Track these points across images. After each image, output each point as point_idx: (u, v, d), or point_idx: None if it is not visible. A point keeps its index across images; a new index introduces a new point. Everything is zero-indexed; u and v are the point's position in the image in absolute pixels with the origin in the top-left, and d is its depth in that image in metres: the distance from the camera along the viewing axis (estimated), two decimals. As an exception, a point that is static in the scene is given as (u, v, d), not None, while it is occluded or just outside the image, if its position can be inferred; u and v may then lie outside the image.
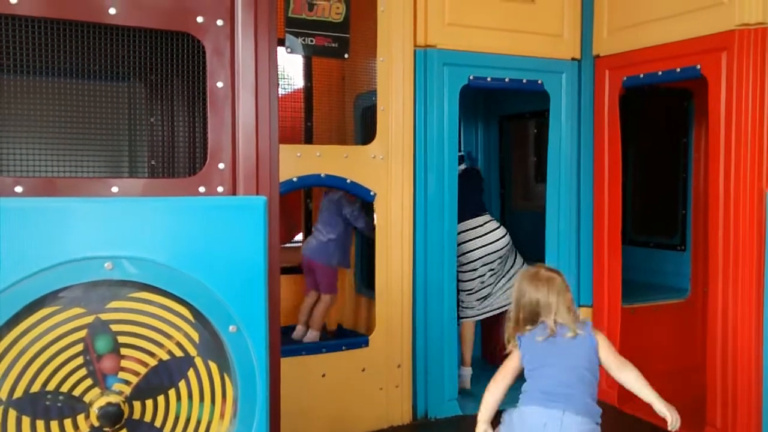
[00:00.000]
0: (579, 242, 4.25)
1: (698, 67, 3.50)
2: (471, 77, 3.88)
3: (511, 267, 4.33)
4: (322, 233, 4.08)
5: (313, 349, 3.61)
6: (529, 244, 4.45)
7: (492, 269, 4.23)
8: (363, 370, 3.66)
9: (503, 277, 4.31)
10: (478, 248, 4.15)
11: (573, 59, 4.16)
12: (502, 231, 4.26)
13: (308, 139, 4.26)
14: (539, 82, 4.07)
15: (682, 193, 4.79)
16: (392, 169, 3.70)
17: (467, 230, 4.16)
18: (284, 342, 4.02)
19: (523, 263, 4.31)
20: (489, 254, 4.18)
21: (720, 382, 3.42)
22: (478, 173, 4.59)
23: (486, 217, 4.28)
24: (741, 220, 3.32)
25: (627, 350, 4.14)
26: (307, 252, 4.12)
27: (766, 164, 3.29)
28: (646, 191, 5.02)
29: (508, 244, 4.26)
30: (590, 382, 2.56)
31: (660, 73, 3.76)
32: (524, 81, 4.04)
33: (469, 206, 4.16)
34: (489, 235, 4.21)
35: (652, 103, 4.79)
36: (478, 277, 4.19)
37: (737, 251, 3.34)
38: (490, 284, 4.25)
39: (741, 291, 3.33)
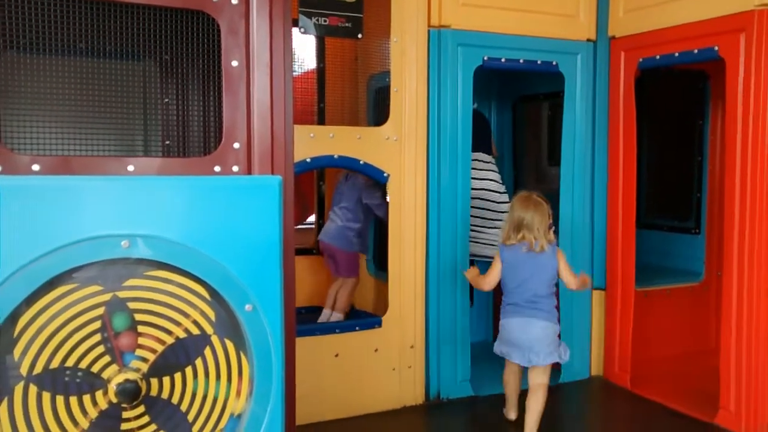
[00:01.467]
0: (593, 225, 4.23)
1: (716, 48, 3.46)
2: (485, 58, 3.85)
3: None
4: (341, 218, 4.09)
5: (326, 329, 3.63)
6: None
7: (480, 210, 4.21)
8: (376, 350, 3.67)
9: (491, 228, 4.26)
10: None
11: (588, 40, 4.12)
12: (497, 176, 4.28)
13: (321, 120, 4.26)
14: (554, 63, 4.04)
15: (697, 176, 4.75)
16: (405, 151, 3.69)
17: None
18: (300, 323, 4.07)
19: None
20: (478, 189, 4.15)
21: (734, 365, 3.41)
22: (480, 115, 4.46)
23: (485, 156, 4.27)
24: (757, 204, 3.30)
25: (641, 334, 4.15)
26: (326, 237, 4.12)
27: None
28: (660, 174, 4.99)
29: (502, 192, 4.25)
30: (553, 292, 3.37)
31: (677, 54, 3.72)
32: (539, 62, 4.01)
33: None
34: (483, 173, 4.21)
35: (668, 85, 4.75)
36: None
37: (753, 235, 3.32)
38: (474, 227, 4.21)
39: (756, 275, 3.31)
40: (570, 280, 3.36)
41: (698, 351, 4.49)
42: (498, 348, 3.42)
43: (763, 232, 3.28)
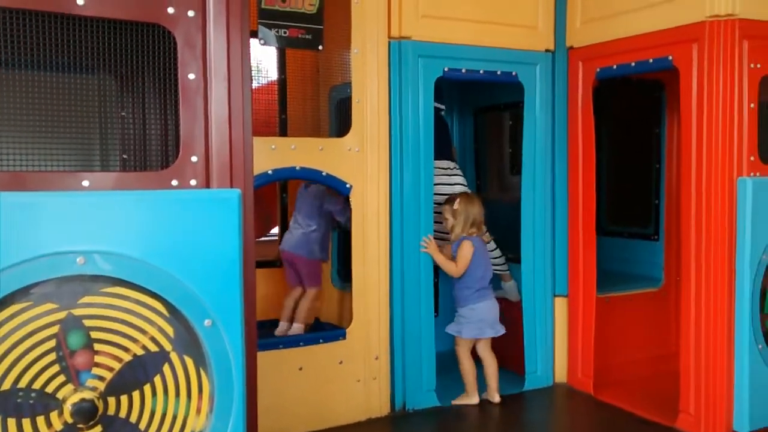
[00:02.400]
0: (554, 233, 4.28)
1: (670, 57, 3.53)
2: (446, 69, 3.88)
3: None
4: (301, 226, 4.06)
5: (289, 342, 3.59)
6: (504, 235, 4.47)
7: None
8: (340, 362, 3.65)
9: None
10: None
11: (547, 50, 4.18)
12: (463, 181, 4.37)
13: (283, 132, 4.24)
14: (513, 73, 4.08)
15: (655, 184, 4.84)
16: (368, 162, 3.69)
17: None
18: (264, 336, 4.03)
19: (487, 230, 4.31)
20: (438, 195, 4.17)
21: (693, 369, 3.47)
22: (441, 118, 4.46)
23: (450, 163, 4.34)
24: (713, 210, 3.37)
25: (602, 339, 4.20)
26: (287, 246, 4.09)
27: (737, 154, 3.34)
28: (619, 182, 5.07)
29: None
30: None
31: (633, 64, 3.79)
32: (499, 73, 4.05)
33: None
34: (452, 178, 4.29)
35: (625, 94, 4.83)
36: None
37: (709, 240, 3.38)
38: (444, 235, 4.24)
39: (713, 279, 3.38)
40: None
41: (659, 355, 4.56)
42: (470, 332, 3.89)
43: (718, 238, 3.35)
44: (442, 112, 4.47)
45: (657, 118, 4.82)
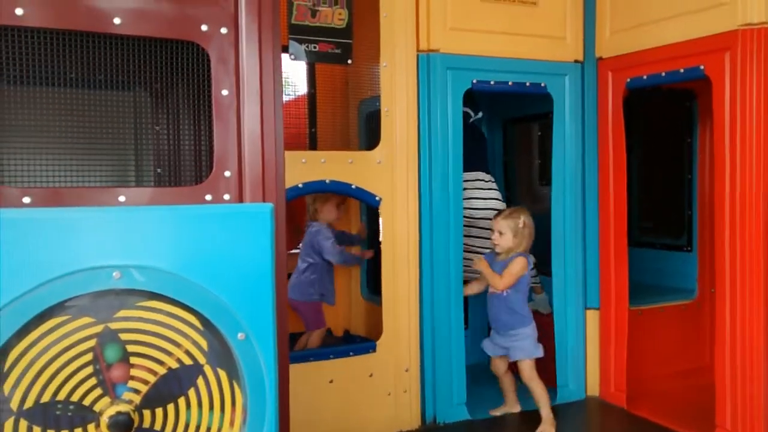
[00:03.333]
0: (585, 244, 4.24)
1: (702, 67, 3.49)
2: (474, 81, 3.88)
3: None
4: (297, 269, 4.10)
5: (320, 355, 3.61)
6: (535, 247, 4.44)
7: (478, 228, 4.21)
8: (371, 375, 3.65)
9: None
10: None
11: (576, 61, 4.16)
12: (499, 195, 4.31)
13: (312, 145, 4.27)
14: (542, 84, 4.07)
15: (687, 194, 4.78)
16: (397, 174, 3.70)
17: None
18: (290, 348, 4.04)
19: None
20: (483, 209, 4.16)
21: (729, 382, 3.41)
22: (476, 129, 4.48)
23: (485, 176, 4.29)
24: (747, 220, 3.32)
25: (635, 352, 4.15)
26: (288, 292, 4.11)
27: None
28: (651, 192, 5.01)
29: (500, 206, 4.25)
30: None
31: (663, 74, 3.76)
32: (527, 84, 4.04)
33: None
34: (487, 192, 4.24)
35: (656, 105, 4.79)
36: None
37: (744, 251, 3.33)
38: (480, 248, 4.22)
39: (749, 291, 3.32)
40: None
41: (693, 369, 4.49)
42: (539, 350, 3.80)
43: (754, 249, 3.30)
44: (472, 120, 4.43)
45: (689, 128, 4.77)
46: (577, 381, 4.24)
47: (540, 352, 3.77)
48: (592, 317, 4.25)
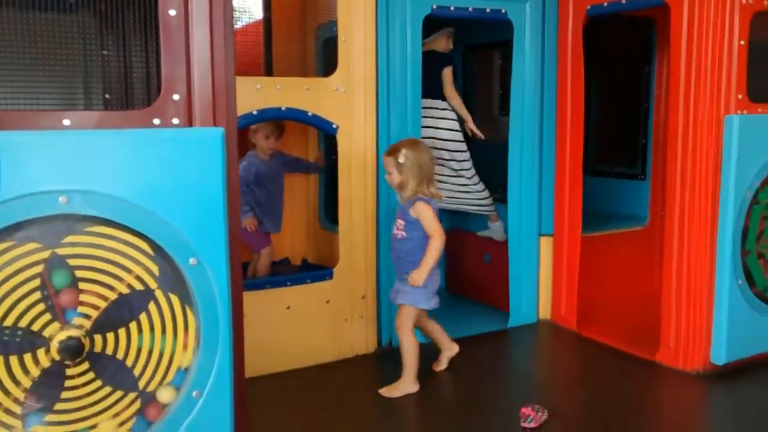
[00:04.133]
0: (541, 173, 4.29)
1: (661, -6, 3.49)
2: (434, 6, 3.81)
3: (462, 168, 4.30)
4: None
5: (277, 282, 3.63)
6: (493, 176, 4.48)
7: (439, 158, 4.20)
8: (327, 301, 3.70)
9: (454, 176, 4.31)
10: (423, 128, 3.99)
11: (537, -13, 4.11)
12: (453, 122, 4.22)
13: (269, 72, 4.18)
14: (503, 11, 4.02)
15: (643, 123, 4.83)
16: (355, 102, 3.66)
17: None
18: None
19: (472, 167, 4.31)
20: (435, 139, 4.16)
21: (674, 304, 3.54)
22: (443, 56, 4.28)
23: (440, 102, 4.20)
24: (699, 148, 3.38)
25: (587, 277, 4.26)
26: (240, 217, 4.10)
27: (725, 92, 3.33)
28: (608, 121, 5.05)
29: (458, 134, 4.22)
30: None
31: (623, 1, 3.74)
32: (488, 10, 3.99)
33: (425, 87, 3.97)
34: (438, 121, 4.19)
35: (616, 33, 4.78)
36: None
37: (694, 178, 3.40)
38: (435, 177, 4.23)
39: (697, 216, 3.41)
40: None
41: (643, 292, 4.63)
42: (427, 302, 3.33)
43: (704, 176, 3.37)
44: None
45: (647, 57, 4.78)
46: (530, 305, 4.35)
47: (427, 305, 3.33)
48: (546, 244, 4.33)
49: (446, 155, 4.23)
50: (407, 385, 3.34)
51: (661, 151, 4.62)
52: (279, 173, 4.16)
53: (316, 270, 3.91)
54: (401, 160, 3.25)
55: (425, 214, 3.22)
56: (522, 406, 2.99)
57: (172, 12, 1.93)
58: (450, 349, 3.64)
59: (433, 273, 3.28)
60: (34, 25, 2.10)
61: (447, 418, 3.13)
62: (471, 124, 4.27)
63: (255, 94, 3.37)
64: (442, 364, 3.63)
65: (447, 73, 4.17)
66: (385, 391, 3.32)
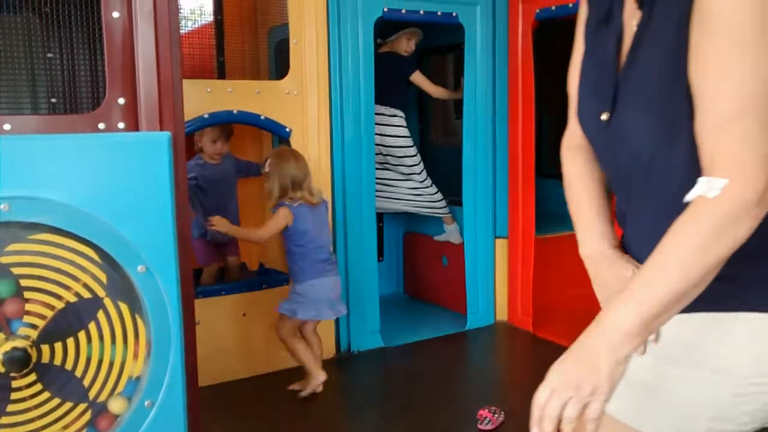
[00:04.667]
0: (495, 176, 4.33)
1: (607, -2, 3.54)
2: (385, 9, 3.82)
3: (413, 172, 4.31)
4: None
5: (232, 289, 3.59)
6: (448, 180, 4.51)
7: (386, 164, 4.21)
8: (284, 307, 3.66)
9: (404, 180, 4.30)
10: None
11: (487, -9, 4.15)
12: (400, 129, 4.23)
13: (221, 75, 4.14)
14: (454, 14, 4.05)
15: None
16: (308, 105, 3.65)
17: None
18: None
19: (423, 170, 4.31)
20: (381, 146, 4.16)
21: (626, 304, 3.59)
22: (402, 60, 4.31)
23: (387, 109, 4.20)
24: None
25: (541, 278, 4.31)
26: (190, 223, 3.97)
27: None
28: (560, 124, 5.10)
29: (407, 146, 4.23)
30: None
31: (571, 5, 3.80)
32: (439, 14, 4.02)
33: (377, 91, 3.99)
34: (384, 128, 4.18)
35: (568, 36, 4.84)
36: None
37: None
38: (386, 181, 4.26)
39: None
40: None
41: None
42: (306, 313, 3.29)
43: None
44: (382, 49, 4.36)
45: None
46: (487, 307, 4.39)
47: (300, 316, 3.29)
48: (501, 246, 4.38)
49: (393, 161, 4.24)
50: (314, 378, 3.33)
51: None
52: (230, 178, 4.06)
53: (273, 275, 3.87)
54: (266, 169, 3.34)
55: (273, 218, 3.29)
56: (479, 408, 3.01)
57: (116, 14, 1.89)
58: (316, 378, 3.36)
59: (316, 284, 3.27)
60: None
61: (405, 420, 3.13)
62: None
63: (206, 97, 3.33)
64: (304, 390, 3.36)
65: (416, 78, 4.17)
66: (296, 386, 3.37)
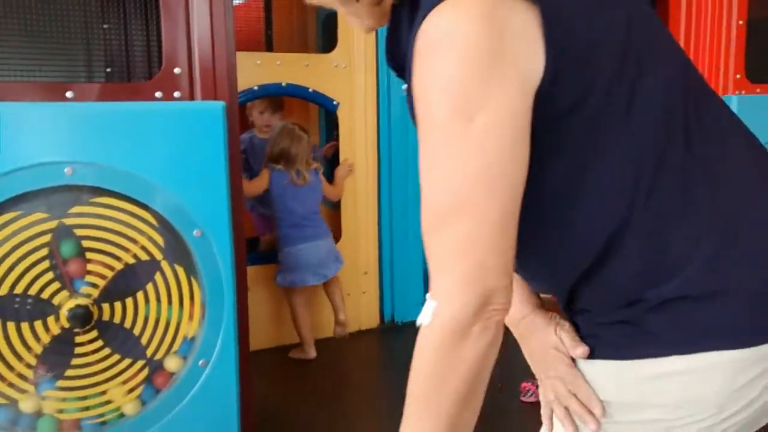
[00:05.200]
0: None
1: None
2: (434, -18, 3.80)
3: None
4: None
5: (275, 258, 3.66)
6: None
7: None
8: (330, 277, 3.73)
9: None
10: None
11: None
12: None
13: (269, 47, 4.19)
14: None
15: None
16: (355, 78, 3.67)
17: None
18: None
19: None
20: None
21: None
22: None
23: None
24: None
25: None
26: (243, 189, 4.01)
27: (723, 72, 3.32)
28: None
29: None
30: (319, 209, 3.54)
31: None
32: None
33: None
34: None
35: None
36: None
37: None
38: None
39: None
40: (332, 193, 3.67)
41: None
42: (287, 279, 3.40)
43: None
44: None
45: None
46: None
47: (279, 281, 3.43)
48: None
49: None
50: (306, 351, 3.46)
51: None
52: None
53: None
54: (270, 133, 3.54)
55: (256, 178, 3.43)
56: (522, 380, 3.02)
57: (173, -14, 1.94)
58: (305, 352, 3.47)
59: (293, 251, 3.39)
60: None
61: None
62: None
63: (255, 69, 3.38)
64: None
65: None
66: (293, 353, 3.48)
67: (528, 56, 0.80)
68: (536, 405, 2.86)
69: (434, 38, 0.81)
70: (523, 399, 2.97)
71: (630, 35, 0.87)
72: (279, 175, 3.39)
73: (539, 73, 0.80)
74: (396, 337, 3.56)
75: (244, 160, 3.87)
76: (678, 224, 0.88)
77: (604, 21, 0.86)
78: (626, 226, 0.87)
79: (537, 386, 3.01)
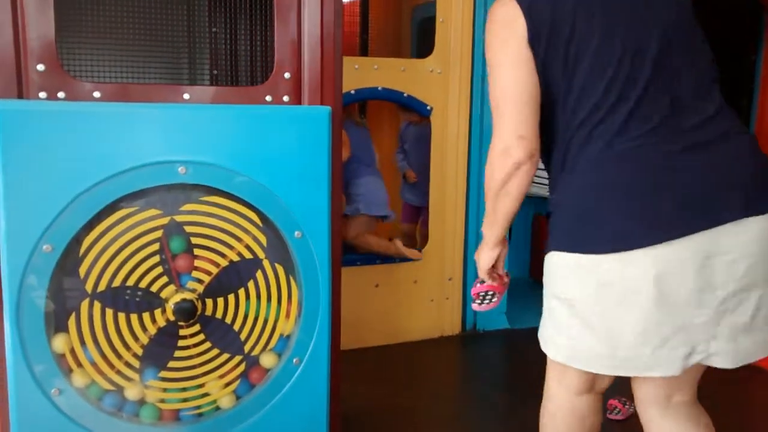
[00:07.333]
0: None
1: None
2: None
3: None
4: None
5: (367, 260, 3.70)
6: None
7: None
8: (415, 281, 3.75)
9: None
10: None
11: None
12: None
13: (364, 52, 4.24)
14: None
15: (744, 121, 4.63)
16: (450, 84, 3.68)
17: None
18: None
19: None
20: None
21: None
22: None
23: None
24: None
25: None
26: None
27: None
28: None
29: None
30: None
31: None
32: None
33: None
34: None
35: (720, 14, 4.59)
36: None
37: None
38: None
39: None
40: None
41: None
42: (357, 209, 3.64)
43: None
44: None
45: (754, 44, 4.58)
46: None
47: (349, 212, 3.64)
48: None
49: None
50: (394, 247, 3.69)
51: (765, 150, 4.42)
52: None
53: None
54: None
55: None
56: (609, 397, 2.96)
57: (286, -7, 1.99)
58: (396, 247, 3.70)
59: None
60: (153, 3, 2.21)
61: (532, 402, 3.14)
62: None
63: (353, 73, 3.43)
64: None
65: None
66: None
67: (519, 27, 1.57)
68: (623, 423, 2.81)
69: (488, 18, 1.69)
70: (610, 416, 2.91)
71: (575, 15, 1.56)
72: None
73: (526, 36, 1.57)
74: (477, 346, 3.54)
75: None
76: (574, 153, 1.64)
77: (558, 8, 1.56)
78: (570, 137, 1.63)
79: (624, 404, 2.96)
